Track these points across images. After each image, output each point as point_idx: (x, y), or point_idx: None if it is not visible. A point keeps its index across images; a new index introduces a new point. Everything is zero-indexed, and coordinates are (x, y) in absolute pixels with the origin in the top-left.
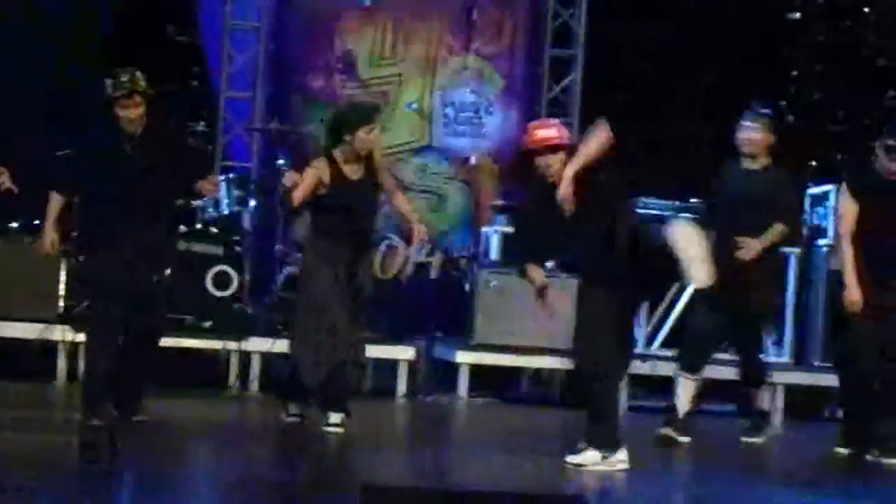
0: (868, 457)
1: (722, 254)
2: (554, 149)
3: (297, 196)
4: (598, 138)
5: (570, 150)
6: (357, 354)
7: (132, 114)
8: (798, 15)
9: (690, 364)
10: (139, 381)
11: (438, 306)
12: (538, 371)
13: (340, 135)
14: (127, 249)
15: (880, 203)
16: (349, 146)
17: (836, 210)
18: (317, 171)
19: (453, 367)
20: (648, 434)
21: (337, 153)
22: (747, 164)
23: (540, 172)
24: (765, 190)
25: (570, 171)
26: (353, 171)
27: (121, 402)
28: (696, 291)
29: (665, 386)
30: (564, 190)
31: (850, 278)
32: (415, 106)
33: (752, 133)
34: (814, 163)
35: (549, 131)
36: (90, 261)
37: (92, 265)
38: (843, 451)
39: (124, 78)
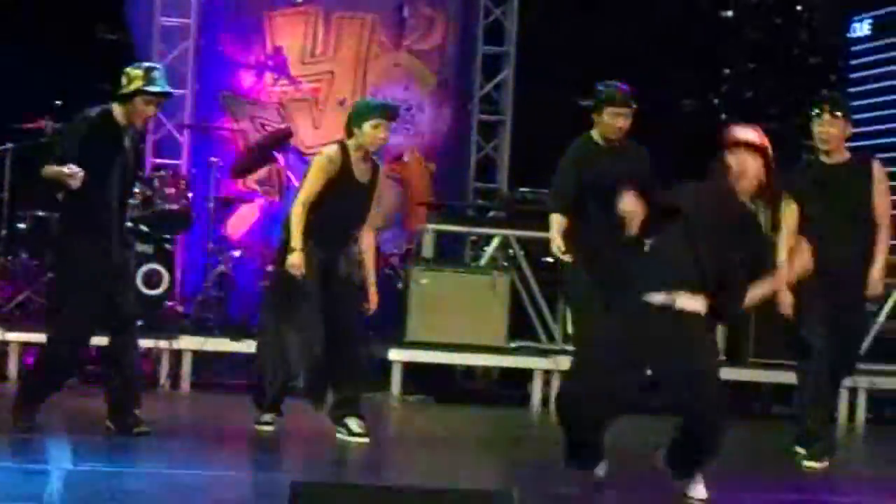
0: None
1: None
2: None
3: (306, 196)
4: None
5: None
6: (357, 354)
7: (152, 111)
8: (731, 13)
9: None
10: (138, 383)
11: None
12: (471, 368)
13: (351, 127)
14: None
15: (820, 197)
16: (358, 140)
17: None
18: (332, 166)
19: (386, 366)
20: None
21: (350, 145)
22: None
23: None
24: None
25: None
26: (361, 173)
27: (121, 411)
28: None
29: None
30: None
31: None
32: (346, 103)
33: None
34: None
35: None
36: (73, 252)
37: (75, 256)
38: (801, 450)
39: (157, 74)
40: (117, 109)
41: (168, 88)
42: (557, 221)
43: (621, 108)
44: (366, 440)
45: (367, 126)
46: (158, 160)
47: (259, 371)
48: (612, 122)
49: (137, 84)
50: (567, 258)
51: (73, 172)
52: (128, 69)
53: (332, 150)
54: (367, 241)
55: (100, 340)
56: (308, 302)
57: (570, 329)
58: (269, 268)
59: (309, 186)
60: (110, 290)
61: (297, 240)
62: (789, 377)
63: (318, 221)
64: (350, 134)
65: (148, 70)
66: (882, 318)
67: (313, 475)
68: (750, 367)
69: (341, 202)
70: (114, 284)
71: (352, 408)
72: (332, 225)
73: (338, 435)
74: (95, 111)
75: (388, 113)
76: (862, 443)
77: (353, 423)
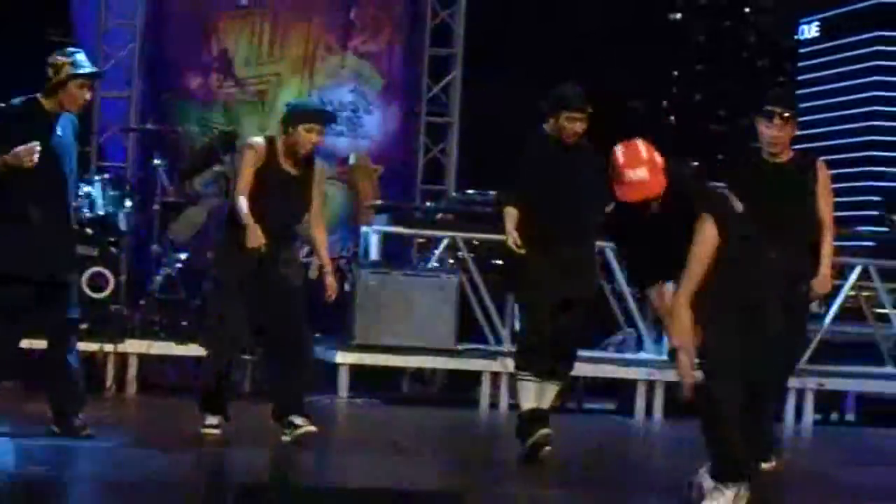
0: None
1: None
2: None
3: (241, 186)
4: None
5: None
6: (301, 354)
7: (88, 95)
8: (679, 15)
9: None
10: (81, 385)
11: (318, 307)
12: (419, 370)
13: (287, 126)
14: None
15: (763, 195)
16: (290, 139)
17: None
18: (253, 152)
19: (333, 368)
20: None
21: (278, 141)
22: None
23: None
24: None
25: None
26: (290, 165)
27: (64, 414)
28: None
29: None
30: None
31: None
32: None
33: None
34: (695, 163)
35: (640, 172)
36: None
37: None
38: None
39: (80, 57)
40: (46, 101)
41: (95, 68)
42: (511, 215)
43: (577, 112)
44: (313, 428)
45: (301, 129)
46: (103, 163)
47: (204, 371)
48: (569, 126)
49: (67, 70)
50: (522, 252)
51: (29, 148)
52: (51, 59)
53: (257, 139)
54: (318, 235)
55: (43, 343)
56: (234, 301)
57: (517, 326)
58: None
59: (240, 177)
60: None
61: (246, 218)
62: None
63: (252, 216)
64: (285, 131)
65: (71, 54)
66: (829, 319)
67: (258, 478)
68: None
69: (272, 194)
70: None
71: (295, 407)
72: (266, 219)
73: (283, 438)
74: (20, 100)
75: (325, 119)
76: (809, 444)
77: (298, 419)
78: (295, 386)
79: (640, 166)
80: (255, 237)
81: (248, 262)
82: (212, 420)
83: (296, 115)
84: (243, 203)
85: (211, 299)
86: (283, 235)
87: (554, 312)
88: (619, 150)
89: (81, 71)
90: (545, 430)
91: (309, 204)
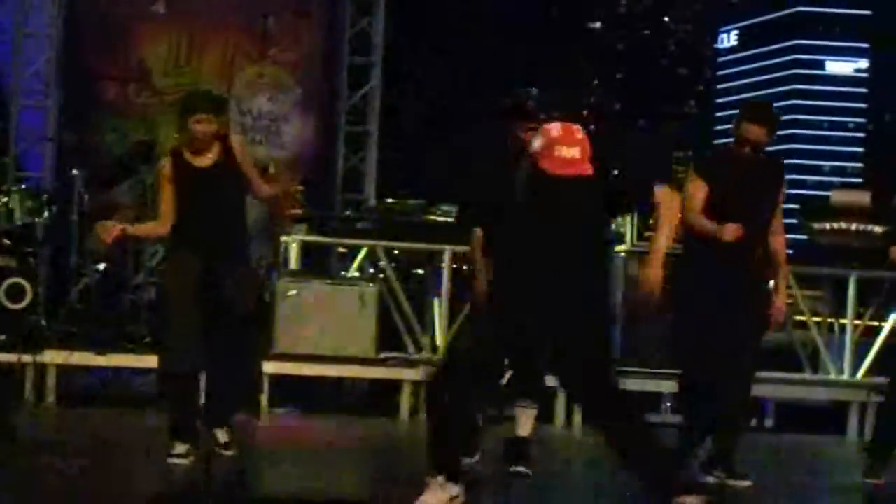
0: (710, 479)
1: None
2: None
3: (161, 214)
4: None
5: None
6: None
7: None
8: (599, 24)
9: None
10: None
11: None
12: (340, 380)
13: (180, 125)
14: None
15: (734, 186)
16: (186, 136)
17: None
18: (161, 169)
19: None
20: None
21: (182, 145)
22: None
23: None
24: None
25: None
26: (202, 160)
27: None
28: None
29: None
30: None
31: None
32: None
33: None
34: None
35: (573, 151)
36: None
37: None
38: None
39: None
40: None
41: None
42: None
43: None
44: (229, 452)
45: (191, 122)
46: (20, 173)
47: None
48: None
49: None
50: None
51: None
52: None
53: (160, 163)
54: (260, 189)
55: None
56: (179, 316)
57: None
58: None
59: (158, 204)
60: None
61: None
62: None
63: (184, 223)
64: (181, 130)
65: None
66: (787, 326)
67: (178, 488)
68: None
69: (195, 194)
70: None
71: (222, 419)
72: (200, 220)
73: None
74: None
75: (208, 105)
76: (768, 451)
77: (221, 434)
78: (225, 401)
79: (575, 145)
80: (104, 229)
81: (192, 272)
82: (179, 449)
83: (183, 109)
84: (166, 232)
85: (159, 312)
86: (223, 234)
87: None
88: (555, 127)
89: None
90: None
91: (240, 190)
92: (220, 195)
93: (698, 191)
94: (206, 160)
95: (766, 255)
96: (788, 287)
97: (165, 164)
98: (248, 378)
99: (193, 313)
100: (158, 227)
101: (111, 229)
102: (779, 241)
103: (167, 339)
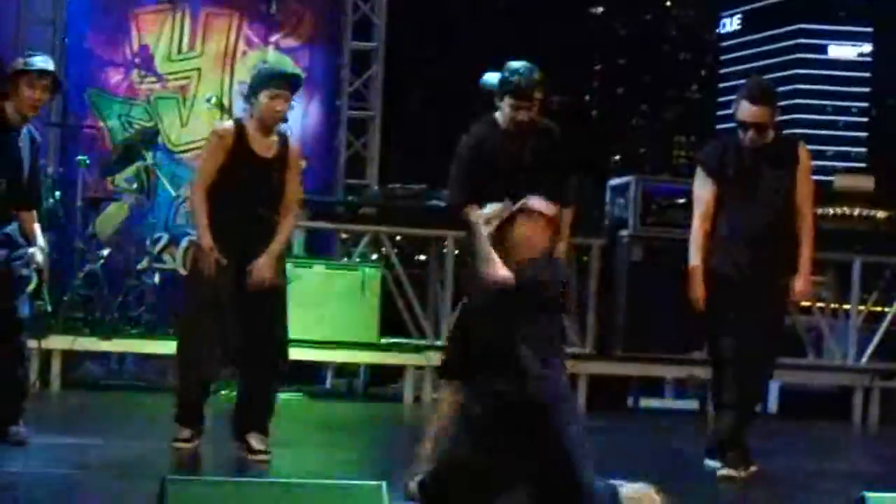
0: (716, 464)
1: None
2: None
3: (200, 181)
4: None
5: None
6: (270, 357)
7: (39, 94)
8: (601, 9)
9: None
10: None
11: None
12: (342, 365)
13: (250, 97)
14: None
15: (740, 179)
16: (254, 111)
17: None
18: (218, 139)
19: None
20: None
21: (246, 121)
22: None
23: None
24: None
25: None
26: (263, 147)
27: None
28: None
29: None
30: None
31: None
32: (213, 100)
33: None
34: (617, 157)
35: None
36: None
37: None
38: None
39: (35, 57)
40: (8, 106)
41: (50, 67)
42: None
43: (522, 100)
44: (265, 457)
45: (262, 96)
46: None
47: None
48: (512, 114)
49: (16, 67)
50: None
51: None
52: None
53: (224, 125)
54: (282, 220)
55: None
56: (211, 311)
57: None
58: (142, 264)
59: (200, 169)
60: None
61: (201, 232)
62: (658, 370)
63: (221, 207)
64: (250, 104)
65: (27, 56)
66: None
67: (183, 472)
68: (618, 360)
69: (242, 182)
70: None
71: (258, 424)
72: (239, 209)
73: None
74: None
75: (286, 82)
76: (774, 435)
77: (255, 441)
78: (260, 408)
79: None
80: (207, 256)
81: (226, 269)
82: (183, 433)
83: (257, 82)
84: (199, 207)
85: (182, 312)
86: (259, 225)
87: None
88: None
89: (28, 68)
90: None
91: (282, 190)
92: (269, 191)
93: (705, 192)
94: (269, 151)
95: (790, 239)
96: None
97: (227, 136)
98: (281, 380)
99: (220, 307)
100: (196, 197)
101: (212, 260)
102: (806, 221)
103: (191, 327)
